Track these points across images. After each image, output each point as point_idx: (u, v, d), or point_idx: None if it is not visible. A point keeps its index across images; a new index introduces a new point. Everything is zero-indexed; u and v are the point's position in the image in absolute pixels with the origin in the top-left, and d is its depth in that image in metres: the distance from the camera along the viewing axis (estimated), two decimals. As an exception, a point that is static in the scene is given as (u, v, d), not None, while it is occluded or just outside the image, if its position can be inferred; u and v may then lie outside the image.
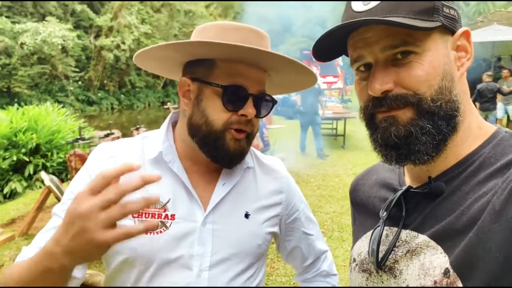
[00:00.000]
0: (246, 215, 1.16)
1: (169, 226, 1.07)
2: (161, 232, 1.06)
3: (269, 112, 1.15)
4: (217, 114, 1.06)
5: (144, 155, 1.12)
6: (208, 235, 1.09)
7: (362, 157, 9.32)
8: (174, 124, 1.21)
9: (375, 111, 0.78)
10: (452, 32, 0.76)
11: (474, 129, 0.78)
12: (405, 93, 0.74)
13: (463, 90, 0.77)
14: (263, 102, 1.12)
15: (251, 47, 0.98)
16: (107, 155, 1.12)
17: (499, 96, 11.49)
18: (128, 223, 1.05)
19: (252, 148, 1.29)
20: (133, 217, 1.06)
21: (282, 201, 1.24)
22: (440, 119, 0.73)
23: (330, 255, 1.42)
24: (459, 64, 0.77)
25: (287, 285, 3.92)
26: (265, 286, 1.23)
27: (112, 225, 0.72)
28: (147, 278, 1.06)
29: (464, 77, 0.78)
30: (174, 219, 1.08)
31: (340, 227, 5.36)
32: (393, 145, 0.75)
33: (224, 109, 1.05)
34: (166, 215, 1.07)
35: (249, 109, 1.05)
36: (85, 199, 0.72)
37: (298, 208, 1.30)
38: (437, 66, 0.73)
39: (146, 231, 0.74)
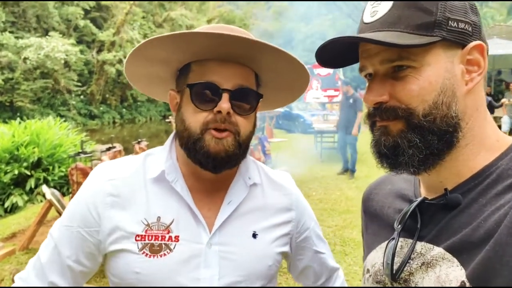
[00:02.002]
0: (254, 235, 1.10)
1: (173, 248, 1.02)
2: (164, 255, 1.02)
3: (254, 108, 1.07)
4: (192, 116, 1.01)
5: (146, 174, 1.08)
6: (214, 257, 1.04)
7: (364, 170, 9.29)
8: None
9: (372, 120, 0.81)
10: (462, 45, 0.75)
11: (490, 142, 0.77)
12: (397, 106, 0.75)
13: (473, 105, 0.76)
14: (244, 98, 1.04)
15: (202, 32, 0.94)
16: (106, 178, 1.08)
17: (504, 109, 11.55)
18: (131, 247, 1.02)
19: (260, 164, 1.25)
20: (136, 240, 1.02)
21: (292, 219, 1.18)
22: (430, 134, 0.74)
23: (341, 273, 1.37)
24: (467, 78, 0.75)
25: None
26: (275, 286, 1.19)
27: None
28: None
29: (475, 91, 0.76)
30: (178, 240, 1.03)
31: (342, 241, 5.32)
32: (383, 153, 0.78)
33: (196, 109, 1.01)
34: (170, 237, 1.03)
35: (222, 104, 0.98)
36: None
37: (309, 226, 1.24)
38: (434, 81, 0.73)
39: None
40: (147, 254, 1.01)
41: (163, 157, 1.10)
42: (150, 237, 1.02)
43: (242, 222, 1.10)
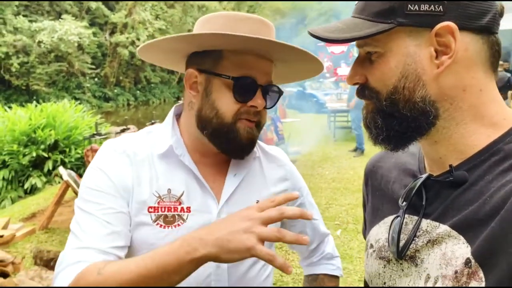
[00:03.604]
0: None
1: (186, 219, 1.06)
2: (178, 225, 1.05)
3: (276, 103, 1.16)
4: (227, 106, 1.05)
5: (152, 150, 1.11)
6: None
7: (377, 150, 9.24)
8: (177, 117, 1.20)
9: None
10: (431, 27, 0.71)
11: (494, 120, 0.75)
12: (368, 88, 0.79)
13: (455, 86, 0.74)
14: (271, 93, 1.12)
15: (265, 39, 0.99)
16: (118, 150, 1.10)
17: None
18: (145, 219, 1.04)
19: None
20: (149, 211, 1.05)
21: (288, 188, 1.26)
22: (391, 117, 0.77)
23: (331, 238, 1.44)
24: (437, 61, 0.73)
25: (302, 276, 3.93)
26: (273, 286, 1.24)
27: (262, 241, 0.79)
28: None
29: (457, 72, 0.73)
30: (190, 211, 1.07)
31: (355, 219, 5.35)
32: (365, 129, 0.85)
33: (234, 101, 1.05)
34: (182, 208, 1.07)
35: (258, 100, 1.05)
36: (254, 211, 0.82)
37: (303, 194, 1.32)
38: (394, 67, 0.74)
39: (284, 268, 0.79)
40: (161, 225, 1.05)
41: (167, 133, 1.13)
42: (163, 209, 1.06)
43: (246, 192, 1.16)
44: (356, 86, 0.83)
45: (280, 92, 1.15)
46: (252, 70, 1.06)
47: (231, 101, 1.05)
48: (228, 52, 1.06)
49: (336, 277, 1.39)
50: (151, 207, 1.05)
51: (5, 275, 3.84)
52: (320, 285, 1.36)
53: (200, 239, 0.82)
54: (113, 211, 1.02)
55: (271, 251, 0.77)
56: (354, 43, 0.82)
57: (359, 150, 9.34)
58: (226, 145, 1.08)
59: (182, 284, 0.88)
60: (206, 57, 1.09)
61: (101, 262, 0.92)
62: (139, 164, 1.09)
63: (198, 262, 0.83)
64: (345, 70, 16.61)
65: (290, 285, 3.81)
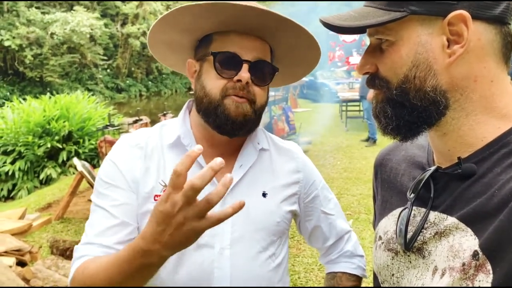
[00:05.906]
0: (264, 194, 1.18)
1: None
2: None
3: (270, 80, 1.15)
4: (213, 82, 1.09)
5: (162, 141, 1.17)
6: None
7: (389, 139, 9.17)
8: (191, 111, 1.24)
9: None
10: (444, 16, 0.71)
11: (504, 112, 0.74)
12: (378, 77, 0.79)
13: (466, 76, 0.73)
14: (262, 70, 1.12)
15: (230, 3, 1.00)
16: (131, 143, 1.16)
17: None
18: (151, 207, 1.05)
19: (268, 132, 1.32)
20: (155, 200, 1.09)
21: (299, 180, 1.26)
22: (401, 107, 0.76)
23: (354, 236, 1.41)
24: (449, 51, 0.72)
25: (313, 266, 3.96)
26: (280, 287, 1.25)
27: (201, 216, 0.77)
28: (172, 259, 1.06)
29: (469, 61, 0.73)
30: None
31: (366, 209, 5.34)
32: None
33: (218, 76, 1.08)
34: None
35: (242, 74, 1.06)
36: (171, 200, 0.77)
37: (317, 187, 1.31)
38: (405, 55, 0.74)
39: (235, 207, 0.77)
40: None
41: (178, 125, 1.19)
42: None
43: (252, 183, 1.18)
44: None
45: (274, 69, 1.15)
46: (234, 46, 1.09)
47: (216, 77, 1.09)
48: (216, 34, 1.12)
49: (357, 277, 1.34)
50: (157, 196, 1.10)
51: (23, 264, 3.93)
52: (338, 283, 1.33)
53: (148, 251, 0.81)
54: (119, 203, 1.09)
55: (218, 214, 0.76)
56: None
57: (371, 139, 9.29)
58: (217, 121, 1.09)
59: (185, 271, 0.98)
60: (201, 47, 1.16)
61: (90, 260, 1.00)
62: (149, 156, 1.14)
63: (158, 265, 0.85)
64: (357, 59, 16.42)
65: (302, 275, 3.84)
